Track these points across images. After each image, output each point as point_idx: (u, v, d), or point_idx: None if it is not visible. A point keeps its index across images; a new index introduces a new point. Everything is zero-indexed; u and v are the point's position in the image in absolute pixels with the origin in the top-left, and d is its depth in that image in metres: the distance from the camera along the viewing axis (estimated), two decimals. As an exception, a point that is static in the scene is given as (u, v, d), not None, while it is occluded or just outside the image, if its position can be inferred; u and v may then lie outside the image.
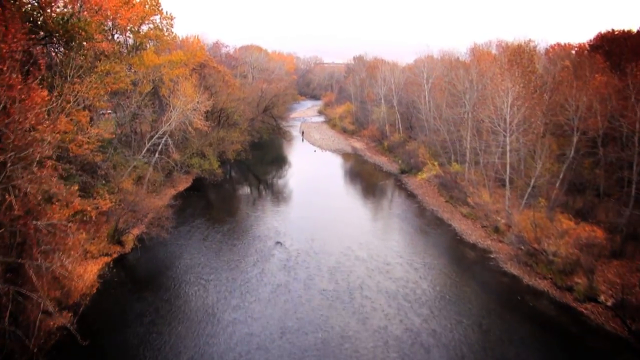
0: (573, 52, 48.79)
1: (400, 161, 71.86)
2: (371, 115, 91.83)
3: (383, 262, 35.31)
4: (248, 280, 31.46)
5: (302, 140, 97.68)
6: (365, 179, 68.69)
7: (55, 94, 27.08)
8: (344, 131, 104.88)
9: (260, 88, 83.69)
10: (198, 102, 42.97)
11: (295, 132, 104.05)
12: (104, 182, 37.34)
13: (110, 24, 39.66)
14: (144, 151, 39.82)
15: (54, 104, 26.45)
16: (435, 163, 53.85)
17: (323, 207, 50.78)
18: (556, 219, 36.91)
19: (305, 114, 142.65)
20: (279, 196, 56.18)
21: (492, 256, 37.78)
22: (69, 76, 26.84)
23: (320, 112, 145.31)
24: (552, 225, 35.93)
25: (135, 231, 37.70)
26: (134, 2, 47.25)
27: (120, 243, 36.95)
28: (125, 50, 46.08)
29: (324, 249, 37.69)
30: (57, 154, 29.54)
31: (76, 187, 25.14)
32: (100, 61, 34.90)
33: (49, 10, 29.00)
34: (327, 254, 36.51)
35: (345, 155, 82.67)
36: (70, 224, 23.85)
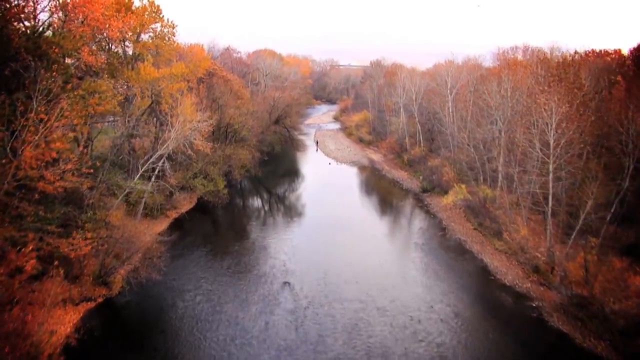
0: (628, 62, 42.50)
1: (421, 177, 66.61)
2: (389, 125, 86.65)
3: (409, 315, 30.23)
4: (248, 341, 26.62)
5: (317, 150, 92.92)
6: (384, 197, 63.57)
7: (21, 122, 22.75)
8: (360, 141, 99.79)
9: (273, 97, 79.13)
10: (199, 121, 38.32)
11: (310, 141, 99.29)
12: (90, 214, 32.93)
13: (100, 35, 35.06)
14: (136, 177, 35.29)
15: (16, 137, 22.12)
16: (463, 186, 48.52)
17: (337, 234, 45.87)
18: (610, 262, 31.49)
19: (320, 120, 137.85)
20: (289, 219, 51.35)
21: (534, 304, 32.44)
22: (35, 101, 22.34)
23: (336, 119, 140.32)
24: (607, 270, 30.56)
25: (124, 270, 33.27)
26: (129, 10, 43.27)
27: (106, 284, 32.51)
28: (121, 63, 41.70)
29: (339, 294, 32.76)
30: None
31: (30, 248, 20.55)
32: (83, 80, 30.49)
33: (15, 24, 24.63)
34: (342, 302, 31.57)
35: (362, 169, 77.62)
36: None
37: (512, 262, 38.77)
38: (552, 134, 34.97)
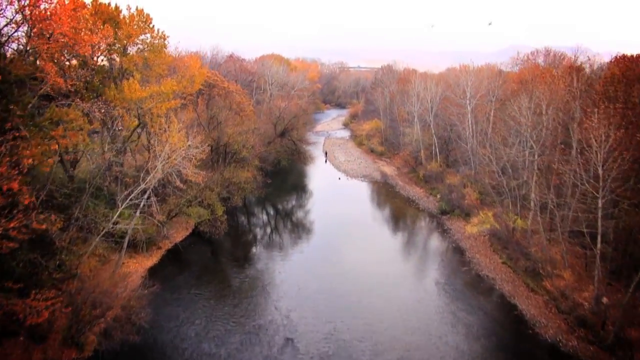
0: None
1: (438, 196, 61.31)
2: (403, 137, 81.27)
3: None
4: None
5: (325, 161, 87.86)
6: (399, 220, 58.26)
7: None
8: (372, 151, 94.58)
9: (278, 108, 74.24)
10: (189, 148, 33.41)
11: (318, 151, 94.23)
12: (58, 263, 28.17)
13: (71, 53, 30.24)
14: (115, 215, 30.39)
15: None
16: (490, 214, 43.13)
17: (348, 269, 40.74)
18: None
19: (329, 127, 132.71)
20: (294, 247, 46.30)
21: (585, 371, 27.07)
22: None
23: (346, 125, 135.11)
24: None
25: (99, 328, 28.45)
26: (113, 21, 38.58)
27: (77, 345, 27.71)
28: (103, 81, 36.96)
29: (350, 353, 27.71)
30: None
31: None
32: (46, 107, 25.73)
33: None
34: (354, 369, 26.47)
35: (374, 184, 72.31)
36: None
37: (552, 309, 33.32)
38: (601, 164, 29.53)
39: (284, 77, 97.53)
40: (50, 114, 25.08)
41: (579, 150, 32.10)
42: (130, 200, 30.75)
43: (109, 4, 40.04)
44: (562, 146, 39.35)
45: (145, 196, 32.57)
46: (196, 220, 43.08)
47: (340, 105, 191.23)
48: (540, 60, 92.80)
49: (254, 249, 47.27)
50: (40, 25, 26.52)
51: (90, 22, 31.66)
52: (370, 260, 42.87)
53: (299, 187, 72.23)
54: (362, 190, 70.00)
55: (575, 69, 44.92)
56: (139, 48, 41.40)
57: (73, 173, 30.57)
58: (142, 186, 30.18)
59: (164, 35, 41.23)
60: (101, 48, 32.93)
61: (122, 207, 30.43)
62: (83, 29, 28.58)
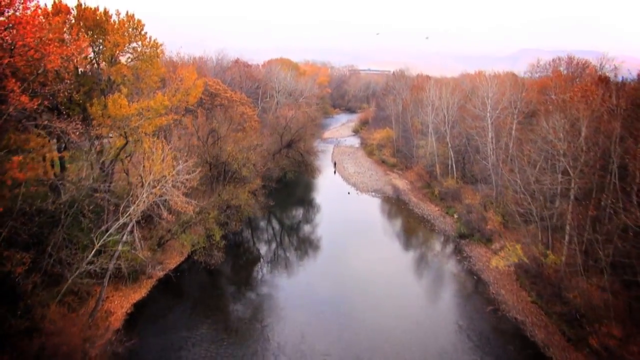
0: None
1: (456, 216, 56.75)
2: (417, 149, 76.69)
3: None
4: None
5: (334, 172, 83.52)
6: (413, 243, 53.80)
7: None
8: (383, 162, 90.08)
9: (285, 117, 70.01)
10: (178, 173, 29.23)
11: (327, 160, 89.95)
12: (21, 311, 24.10)
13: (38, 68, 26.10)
14: (91, 255, 26.27)
15: None
16: (518, 247, 38.45)
17: (356, 305, 36.44)
18: None
19: (338, 134, 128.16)
20: (298, 274, 42.32)
21: None
22: None
23: (356, 132, 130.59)
24: None
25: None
26: (100, 27, 34.59)
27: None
28: (88, 95, 32.95)
29: None
30: None
31: None
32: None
33: None
34: None
35: (386, 200, 67.81)
36: None
37: (596, 368, 28.72)
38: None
39: (292, 83, 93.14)
40: (6, 142, 20.98)
41: (618, 175, 27.51)
42: (110, 235, 26.59)
43: (96, 8, 36.09)
44: (601, 172, 34.80)
45: (128, 229, 28.38)
46: (190, 249, 38.82)
47: (350, 110, 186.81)
48: (562, 67, 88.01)
49: (256, 272, 43.25)
50: (1, 35, 22.49)
51: (65, 30, 27.51)
52: (383, 295, 38.44)
53: (305, 202, 67.94)
54: (373, 207, 65.54)
55: (615, 85, 40.13)
56: (129, 57, 37.34)
57: (48, 205, 26.47)
58: (122, 220, 26.02)
59: (157, 44, 37.14)
60: (77, 60, 28.56)
61: (99, 243, 26.27)
62: (54, 40, 24.41)
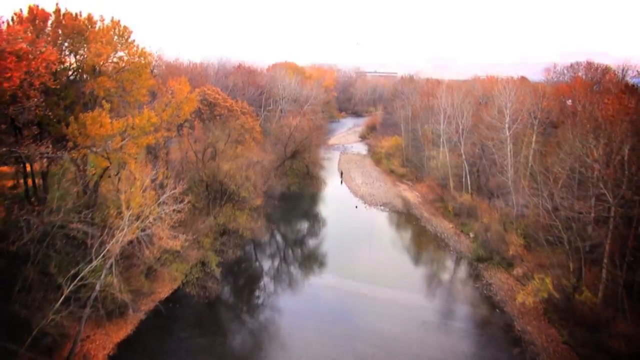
0: None
1: (472, 235, 52.72)
2: (428, 160, 72.70)
3: None
4: None
5: (341, 182, 79.70)
6: (426, 265, 49.89)
7: None
8: (392, 172, 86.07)
9: (290, 126, 66.35)
10: (164, 204, 25.50)
11: (333, 168, 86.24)
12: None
13: None
14: (58, 303, 22.59)
15: None
16: (547, 280, 34.40)
17: (366, 342, 32.57)
18: None
19: (345, 140, 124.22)
20: (301, 297, 39.06)
21: None
22: None
23: (363, 138, 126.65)
24: None
25: None
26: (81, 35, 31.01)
27: None
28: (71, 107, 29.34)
29: None
30: None
31: None
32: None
33: None
34: None
35: (396, 215, 63.87)
36: None
37: None
38: None
39: (297, 89, 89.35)
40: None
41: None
42: (82, 279, 22.90)
43: (78, 14, 32.51)
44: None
45: (103, 275, 24.65)
46: (182, 280, 35.14)
47: (357, 114, 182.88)
48: (581, 73, 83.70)
49: (257, 294, 40.11)
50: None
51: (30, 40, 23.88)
52: (396, 331, 34.51)
53: (310, 216, 64.03)
54: (382, 223, 61.64)
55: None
56: (114, 68, 33.72)
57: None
58: (95, 263, 22.33)
59: (145, 53, 33.49)
60: (45, 76, 24.86)
61: (69, 289, 22.58)
62: (12, 53, 20.76)
